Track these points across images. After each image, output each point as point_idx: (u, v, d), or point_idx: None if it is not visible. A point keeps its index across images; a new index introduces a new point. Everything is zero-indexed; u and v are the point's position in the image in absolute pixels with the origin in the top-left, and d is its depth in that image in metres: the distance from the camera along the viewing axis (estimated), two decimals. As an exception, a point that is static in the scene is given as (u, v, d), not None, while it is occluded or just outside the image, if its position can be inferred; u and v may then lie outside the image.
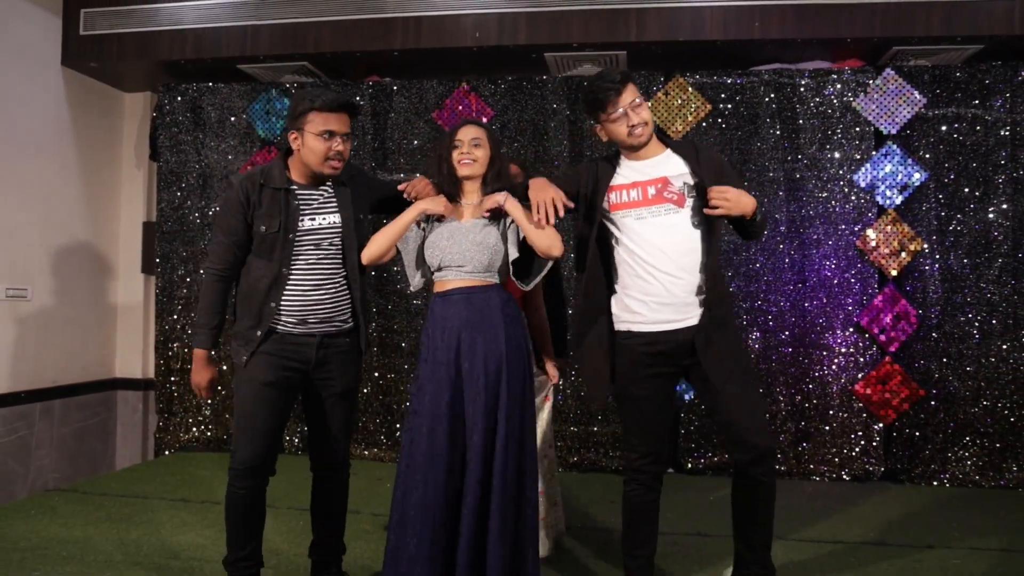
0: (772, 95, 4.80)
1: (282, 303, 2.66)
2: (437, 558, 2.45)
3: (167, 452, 5.22)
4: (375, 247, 2.68)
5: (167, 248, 5.28)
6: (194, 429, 5.23)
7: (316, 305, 2.68)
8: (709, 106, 4.83)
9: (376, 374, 5.08)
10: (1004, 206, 4.62)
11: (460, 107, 5.03)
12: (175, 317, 5.25)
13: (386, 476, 4.61)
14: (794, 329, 4.76)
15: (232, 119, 5.23)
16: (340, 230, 2.71)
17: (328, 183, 2.75)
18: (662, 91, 4.86)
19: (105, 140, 5.48)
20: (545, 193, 2.56)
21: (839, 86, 4.76)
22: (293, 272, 2.66)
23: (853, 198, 4.74)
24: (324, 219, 2.70)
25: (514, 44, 4.63)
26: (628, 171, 2.70)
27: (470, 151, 2.64)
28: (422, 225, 2.69)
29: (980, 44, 4.51)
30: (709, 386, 2.59)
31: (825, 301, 4.73)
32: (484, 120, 4.96)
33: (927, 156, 4.69)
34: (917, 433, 4.66)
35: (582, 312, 2.73)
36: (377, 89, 5.12)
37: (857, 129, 4.74)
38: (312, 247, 2.68)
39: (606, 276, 2.71)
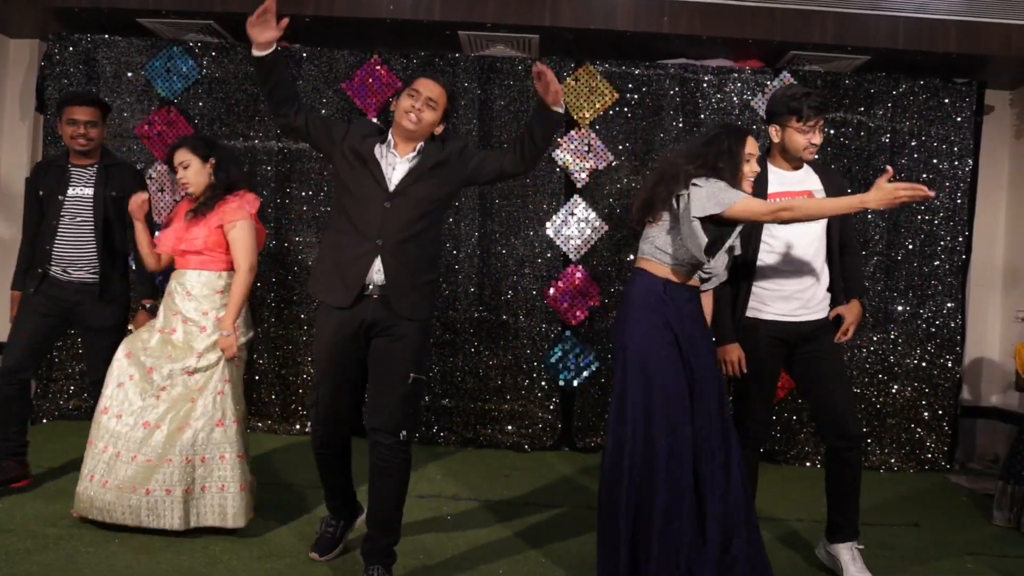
0: (677, 88, 4.96)
1: (53, 250, 3.64)
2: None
3: (45, 420, 4.97)
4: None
5: (52, 206, 5.00)
6: (76, 397, 4.99)
7: (74, 256, 3.64)
8: (616, 95, 4.95)
9: (273, 345, 4.99)
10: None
11: (371, 79, 4.98)
12: (58, 279, 4.99)
13: (280, 447, 4.54)
14: (686, 315, 4.95)
15: (130, 75, 5.00)
16: (91, 201, 3.66)
17: (94, 165, 3.71)
18: (572, 77, 4.95)
19: (-14, 88, 5.14)
20: None
21: (739, 84, 4.97)
22: (60, 227, 3.63)
23: (747, 193, 4.97)
24: (83, 190, 3.68)
25: (428, 20, 4.61)
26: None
27: None
28: None
29: (867, 55, 4.80)
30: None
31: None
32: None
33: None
34: (793, 418, 4.95)
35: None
36: (286, 55, 4.99)
37: (755, 127, 4.95)
38: (74, 209, 3.65)
39: None
